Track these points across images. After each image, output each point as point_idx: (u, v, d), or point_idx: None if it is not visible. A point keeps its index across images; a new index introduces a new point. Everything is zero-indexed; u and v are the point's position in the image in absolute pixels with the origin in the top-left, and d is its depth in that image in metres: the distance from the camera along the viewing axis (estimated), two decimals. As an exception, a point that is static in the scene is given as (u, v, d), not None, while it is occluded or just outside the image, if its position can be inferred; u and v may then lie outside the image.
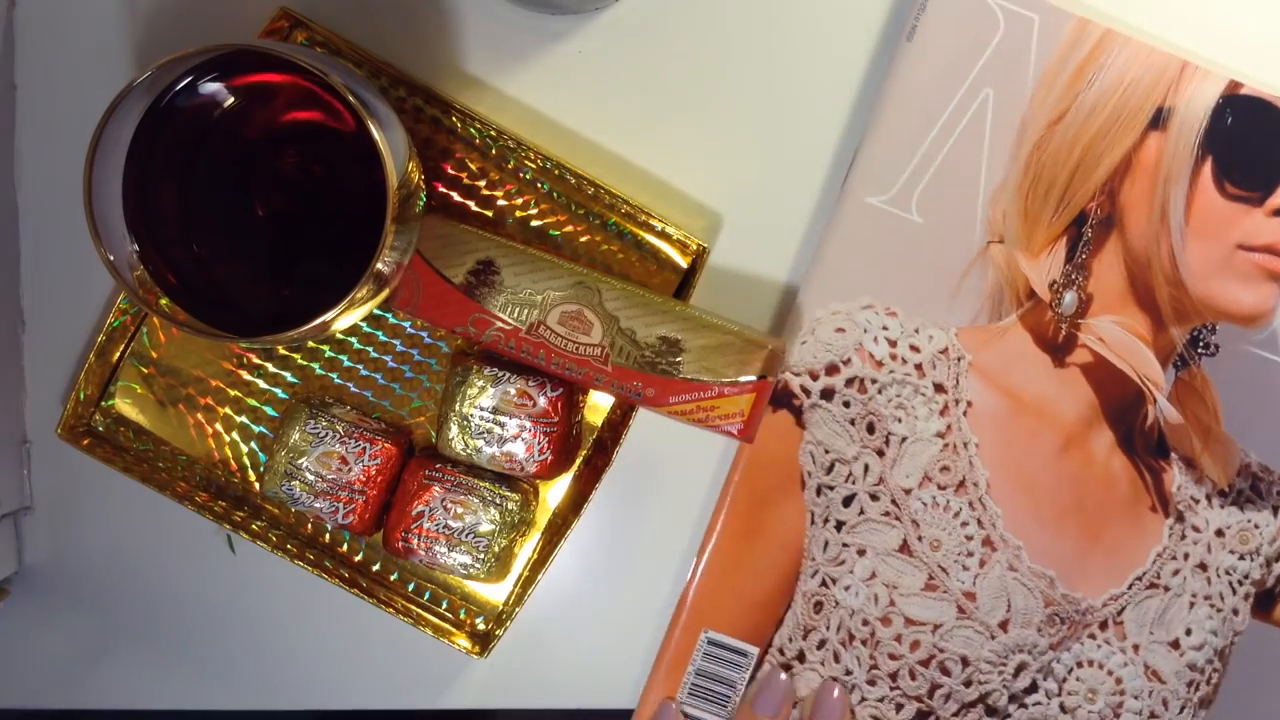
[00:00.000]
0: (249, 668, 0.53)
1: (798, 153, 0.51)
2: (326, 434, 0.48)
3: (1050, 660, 0.49)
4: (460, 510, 0.48)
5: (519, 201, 0.50)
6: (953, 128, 0.49)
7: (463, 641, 0.50)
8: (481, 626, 0.51)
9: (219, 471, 0.51)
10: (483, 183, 0.50)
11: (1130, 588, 0.49)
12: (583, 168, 0.49)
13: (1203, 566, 0.49)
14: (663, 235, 0.50)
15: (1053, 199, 0.49)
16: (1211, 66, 0.48)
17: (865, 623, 0.49)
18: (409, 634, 0.50)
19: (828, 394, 0.49)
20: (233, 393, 0.51)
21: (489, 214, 0.50)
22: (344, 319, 0.42)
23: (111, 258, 0.40)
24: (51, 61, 0.51)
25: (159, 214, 0.43)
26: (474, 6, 0.50)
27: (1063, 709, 0.50)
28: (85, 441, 0.50)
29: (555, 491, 0.51)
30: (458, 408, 0.47)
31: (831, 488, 0.49)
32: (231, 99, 0.43)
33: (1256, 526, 0.49)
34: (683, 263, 0.50)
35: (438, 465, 0.48)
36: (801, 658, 0.50)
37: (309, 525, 0.51)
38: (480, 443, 0.47)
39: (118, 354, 0.50)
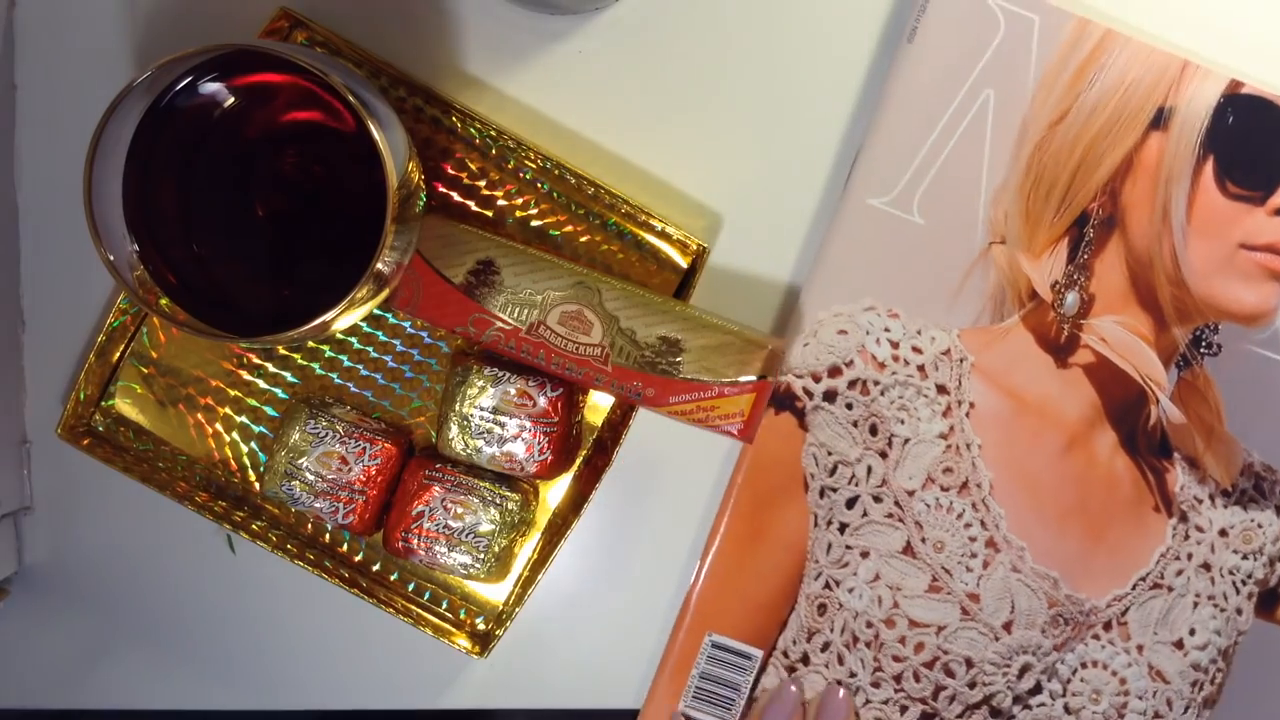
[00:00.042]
0: (249, 668, 0.53)
1: (798, 153, 0.51)
2: (326, 434, 0.47)
3: (1054, 661, 0.49)
4: (460, 510, 0.48)
5: (519, 201, 0.50)
6: (954, 129, 0.49)
7: (463, 641, 0.50)
8: (481, 626, 0.51)
9: (219, 471, 0.51)
10: (483, 183, 0.50)
11: (1134, 588, 0.49)
12: (583, 168, 0.49)
13: (1206, 566, 0.49)
14: (663, 235, 0.50)
15: (1054, 199, 0.49)
16: (1212, 66, 0.48)
17: (869, 625, 0.49)
18: (409, 634, 0.50)
19: (830, 396, 0.49)
20: (233, 393, 0.51)
21: (489, 214, 0.50)
22: (344, 319, 0.42)
23: (111, 258, 0.40)
24: (51, 61, 0.51)
25: (159, 214, 0.43)
26: (474, 6, 0.50)
27: (1067, 710, 0.49)
28: (85, 441, 0.50)
29: (555, 491, 0.51)
30: (458, 408, 0.47)
31: (834, 490, 0.49)
32: (231, 99, 0.43)
33: (1260, 526, 0.49)
34: (683, 263, 0.50)
35: (438, 465, 0.48)
36: (805, 660, 0.50)
37: (309, 525, 0.51)
38: (480, 443, 0.47)
39: (118, 354, 0.50)
